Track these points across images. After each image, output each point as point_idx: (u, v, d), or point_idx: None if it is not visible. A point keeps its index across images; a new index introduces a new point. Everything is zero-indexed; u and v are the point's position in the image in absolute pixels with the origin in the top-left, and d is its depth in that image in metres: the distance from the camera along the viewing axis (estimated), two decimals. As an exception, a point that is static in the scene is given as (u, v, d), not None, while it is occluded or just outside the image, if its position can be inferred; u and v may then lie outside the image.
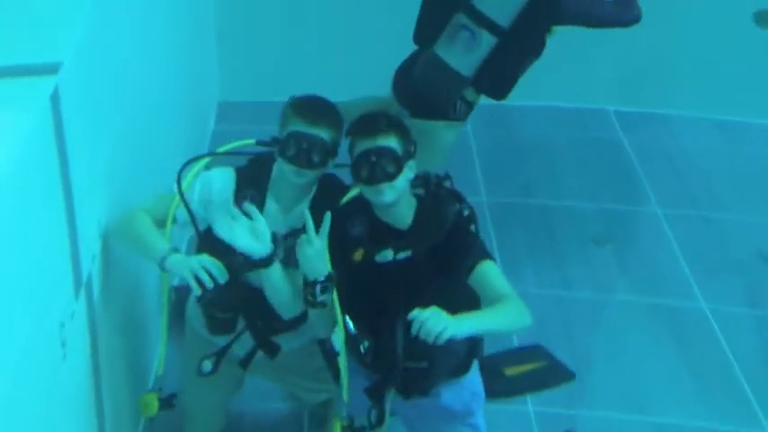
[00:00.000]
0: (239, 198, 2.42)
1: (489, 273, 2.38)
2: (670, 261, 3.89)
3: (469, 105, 3.34)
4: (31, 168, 1.95)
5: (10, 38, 2.26)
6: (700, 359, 3.40)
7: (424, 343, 2.23)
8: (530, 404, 3.13)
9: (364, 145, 2.37)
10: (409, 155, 2.39)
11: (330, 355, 2.51)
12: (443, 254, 2.38)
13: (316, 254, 2.34)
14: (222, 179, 2.47)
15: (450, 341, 2.23)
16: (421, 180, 2.47)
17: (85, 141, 2.28)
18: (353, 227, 2.42)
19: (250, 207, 2.36)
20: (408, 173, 2.39)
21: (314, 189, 2.48)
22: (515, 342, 3.33)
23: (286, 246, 2.42)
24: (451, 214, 2.41)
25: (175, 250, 2.41)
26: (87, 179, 2.30)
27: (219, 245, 2.40)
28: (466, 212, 2.44)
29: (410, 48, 3.31)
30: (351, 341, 2.42)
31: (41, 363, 1.99)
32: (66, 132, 2.14)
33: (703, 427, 3.11)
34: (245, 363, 2.61)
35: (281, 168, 2.43)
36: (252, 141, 2.49)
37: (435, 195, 2.46)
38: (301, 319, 2.50)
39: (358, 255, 2.40)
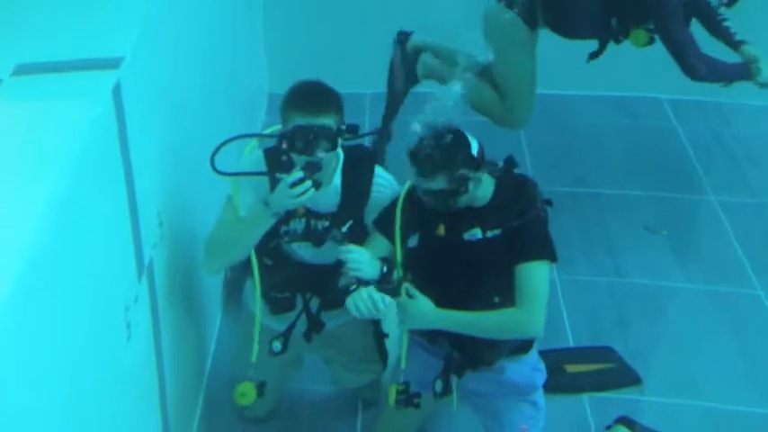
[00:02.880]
0: (272, 176, 2.47)
1: (533, 276, 2.42)
2: (725, 248, 3.86)
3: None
4: (96, 159, 2.04)
5: (75, 34, 2.36)
6: (755, 345, 3.37)
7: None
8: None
9: (426, 185, 2.41)
10: (464, 181, 2.40)
11: (379, 334, 2.60)
12: (518, 236, 2.43)
13: (366, 261, 2.43)
14: (254, 163, 2.53)
15: None
16: (491, 166, 2.50)
17: (144, 133, 2.36)
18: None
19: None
20: (477, 178, 2.42)
21: (340, 162, 2.53)
22: (570, 340, 3.33)
23: (315, 224, 2.50)
24: (536, 195, 2.46)
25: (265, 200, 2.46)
26: (146, 170, 2.38)
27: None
28: (543, 199, 2.49)
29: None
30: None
31: (108, 343, 2.09)
32: (128, 124, 2.22)
33: (757, 414, 3.08)
34: (308, 336, 2.68)
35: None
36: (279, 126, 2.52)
37: (512, 176, 2.51)
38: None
39: (441, 230, 2.46)
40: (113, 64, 2.21)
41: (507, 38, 3.59)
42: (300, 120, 2.38)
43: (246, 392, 2.63)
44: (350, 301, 2.39)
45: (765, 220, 4.06)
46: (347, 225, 2.53)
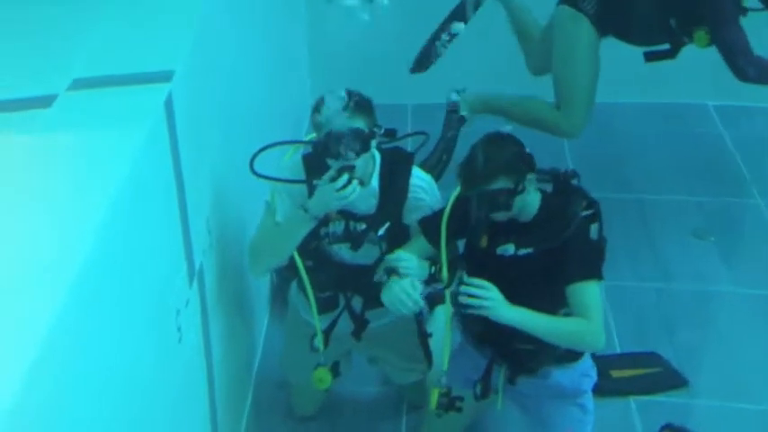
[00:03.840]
0: (310, 181, 2.55)
1: (586, 294, 2.44)
2: (774, 252, 3.82)
3: None
4: (149, 169, 2.11)
5: (130, 48, 2.45)
6: (805, 349, 3.33)
7: None
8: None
9: (471, 187, 2.45)
10: (523, 184, 2.43)
11: (423, 333, 2.65)
12: (559, 256, 2.44)
13: (415, 266, 2.49)
14: (292, 169, 2.62)
15: None
16: (550, 175, 2.53)
17: (194, 144, 2.44)
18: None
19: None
20: (526, 197, 2.45)
21: (377, 164, 2.58)
22: (617, 346, 3.32)
23: (354, 226, 2.56)
24: (577, 216, 2.45)
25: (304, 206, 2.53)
26: (196, 179, 2.46)
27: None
28: (590, 212, 2.49)
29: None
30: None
31: (160, 345, 2.16)
32: (179, 135, 2.30)
33: (810, 416, 3.05)
34: (357, 335, 2.75)
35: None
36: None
37: (562, 192, 2.51)
38: None
39: (484, 241, 2.50)
40: (165, 77, 2.29)
41: (576, 41, 3.62)
42: (333, 125, 2.45)
43: (323, 377, 2.73)
44: (385, 298, 2.45)
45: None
46: (384, 227, 2.58)
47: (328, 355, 2.78)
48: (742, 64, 3.45)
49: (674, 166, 4.41)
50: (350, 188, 2.42)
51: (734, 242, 3.90)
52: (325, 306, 2.70)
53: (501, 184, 2.41)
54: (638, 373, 3.11)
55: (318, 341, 2.71)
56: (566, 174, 2.54)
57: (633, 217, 3.97)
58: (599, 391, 2.72)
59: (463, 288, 2.39)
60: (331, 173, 2.44)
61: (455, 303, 2.46)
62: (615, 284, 3.46)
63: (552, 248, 2.45)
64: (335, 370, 2.75)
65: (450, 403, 2.59)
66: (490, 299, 2.37)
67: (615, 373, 2.89)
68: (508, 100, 3.82)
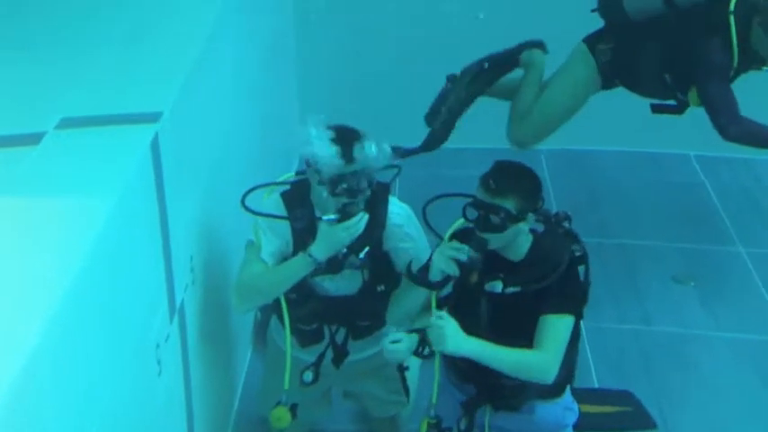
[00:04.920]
0: (291, 218, 2.61)
1: (552, 326, 2.47)
2: (755, 298, 3.88)
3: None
4: (134, 206, 2.18)
5: (118, 89, 2.53)
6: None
7: None
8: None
9: (481, 195, 2.49)
10: (523, 216, 2.47)
11: (401, 367, 2.70)
12: (544, 294, 2.48)
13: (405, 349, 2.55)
14: (274, 209, 2.66)
15: None
16: (542, 217, 2.56)
17: (180, 183, 2.50)
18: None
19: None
20: (521, 228, 2.49)
21: None
22: (596, 383, 3.37)
23: (339, 256, 2.60)
24: (566, 259, 2.49)
25: (305, 253, 2.57)
26: (181, 218, 2.52)
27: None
28: (577, 254, 2.54)
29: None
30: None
31: (140, 377, 2.21)
32: (165, 175, 2.36)
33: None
34: (337, 363, 2.78)
35: (321, 198, 2.57)
36: (292, 175, 2.74)
37: (553, 234, 2.56)
38: (377, 325, 2.72)
39: (474, 277, 2.53)
40: (152, 118, 2.37)
41: (575, 76, 3.73)
42: (338, 169, 2.50)
43: (282, 416, 2.72)
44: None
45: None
46: (364, 251, 2.63)
47: (310, 391, 2.81)
48: (724, 122, 3.50)
49: (655, 212, 4.51)
50: (361, 222, 2.50)
51: (714, 287, 3.97)
52: (309, 339, 2.74)
53: (508, 204, 2.46)
54: (608, 411, 3.15)
55: (308, 375, 2.74)
56: (558, 216, 2.59)
57: (614, 261, 4.04)
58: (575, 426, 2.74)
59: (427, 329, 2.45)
60: (333, 215, 2.50)
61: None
62: (596, 326, 3.52)
63: (539, 289, 2.49)
64: (294, 411, 2.75)
65: None
66: (450, 329, 2.42)
67: (585, 408, 2.91)
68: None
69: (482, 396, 2.57)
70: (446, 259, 2.47)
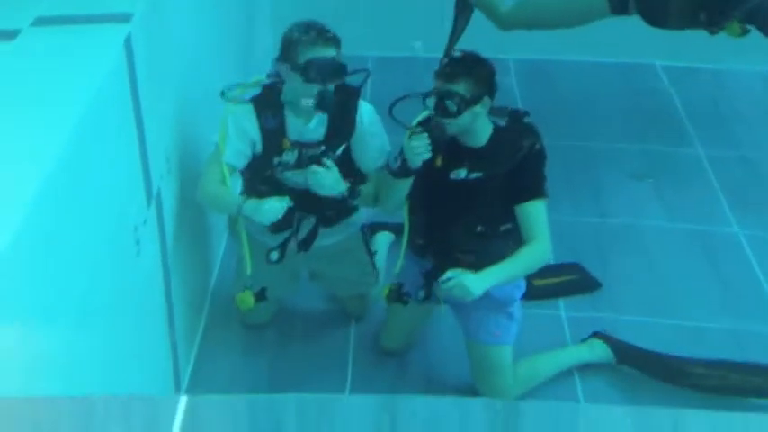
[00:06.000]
0: (261, 120, 2.81)
1: (534, 212, 2.73)
2: (709, 195, 4.05)
3: None
4: (109, 101, 2.32)
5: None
6: (729, 275, 3.57)
7: (473, 240, 2.73)
8: (562, 309, 3.38)
9: (437, 83, 2.69)
10: (475, 100, 2.67)
11: (370, 251, 3.00)
12: (509, 180, 2.71)
13: (330, 182, 2.77)
14: (244, 113, 2.84)
15: (495, 240, 2.72)
16: (505, 112, 2.79)
17: (153, 80, 2.64)
18: (438, 138, 2.71)
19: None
20: (474, 112, 2.68)
21: None
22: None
23: (309, 154, 2.80)
24: (526, 146, 2.72)
25: (244, 199, 2.82)
26: (155, 112, 2.67)
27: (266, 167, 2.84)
28: (538, 147, 2.75)
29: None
30: None
31: (120, 256, 2.38)
32: (138, 72, 2.50)
33: (728, 329, 3.29)
34: (305, 245, 2.99)
35: (294, 89, 2.77)
36: (263, 77, 2.91)
37: (513, 126, 2.78)
38: (345, 215, 2.96)
39: (438, 161, 2.74)
40: (125, 18, 2.50)
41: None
42: (313, 53, 2.70)
43: (245, 299, 2.94)
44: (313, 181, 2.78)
45: (749, 171, 4.24)
46: (341, 149, 2.84)
47: (278, 271, 3.03)
48: None
49: (619, 117, 4.65)
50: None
51: (670, 184, 4.13)
52: (280, 226, 2.91)
53: (460, 89, 2.65)
54: (555, 281, 3.38)
55: (274, 254, 2.95)
56: (518, 112, 2.82)
57: (576, 161, 4.18)
58: (523, 297, 2.96)
59: (442, 285, 2.67)
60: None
61: (394, 298, 2.83)
62: (554, 218, 3.68)
63: (500, 174, 2.71)
64: (261, 295, 2.97)
65: (399, 296, 2.89)
66: (467, 279, 2.63)
67: (537, 282, 3.13)
68: None
69: (438, 269, 2.77)
70: (412, 153, 2.67)
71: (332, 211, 2.95)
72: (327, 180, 2.75)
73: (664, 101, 4.85)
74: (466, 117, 2.68)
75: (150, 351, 2.72)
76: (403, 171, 2.72)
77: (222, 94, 2.84)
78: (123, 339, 2.38)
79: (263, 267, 2.95)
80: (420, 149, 2.65)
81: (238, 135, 2.84)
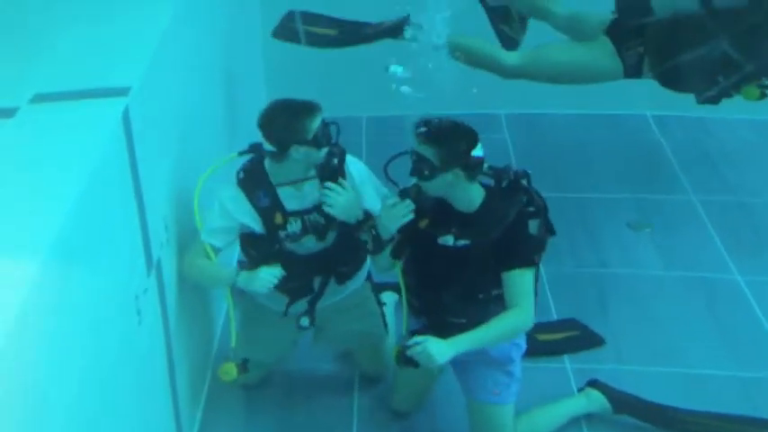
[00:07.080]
0: (254, 201, 2.86)
1: (519, 280, 2.69)
2: (706, 241, 4.07)
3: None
4: (109, 175, 2.34)
5: (90, 64, 2.69)
6: (730, 321, 3.58)
7: (465, 304, 2.71)
8: (567, 362, 3.38)
9: (414, 145, 2.70)
10: (445, 169, 2.64)
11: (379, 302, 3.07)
12: (496, 247, 2.68)
13: (343, 203, 2.78)
14: (234, 199, 2.89)
15: (488, 304, 2.70)
16: (494, 172, 2.75)
17: (151, 152, 2.67)
18: (426, 200, 2.75)
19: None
20: (446, 179, 2.66)
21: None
22: (554, 316, 3.58)
23: (310, 219, 2.85)
24: (514, 212, 2.68)
25: (238, 271, 2.86)
26: (153, 184, 2.70)
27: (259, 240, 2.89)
28: (530, 209, 2.72)
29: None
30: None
31: (122, 326, 2.39)
32: (136, 144, 2.53)
33: (730, 376, 3.29)
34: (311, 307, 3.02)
35: (297, 161, 2.82)
36: (235, 155, 2.97)
37: (505, 189, 2.73)
38: (357, 267, 3.01)
39: (423, 223, 2.74)
40: (123, 92, 2.53)
41: (598, 62, 3.87)
42: (315, 123, 2.79)
43: (229, 370, 2.94)
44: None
45: (745, 216, 4.26)
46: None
47: (280, 335, 3.07)
48: None
49: (612, 168, 4.68)
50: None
51: (667, 233, 4.15)
52: (301, 293, 2.97)
53: (428, 154, 2.65)
54: (556, 338, 3.39)
55: (304, 320, 3.00)
56: (516, 173, 2.75)
57: (573, 213, 4.20)
58: (529, 352, 2.95)
59: (409, 351, 2.66)
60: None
61: (404, 360, 2.72)
62: (556, 270, 3.74)
63: (490, 243, 2.68)
64: (243, 366, 2.96)
65: (409, 358, 2.75)
66: (432, 347, 2.61)
67: (541, 337, 3.14)
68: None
69: (431, 330, 2.75)
70: (393, 221, 2.72)
71: (346, 267, 2.98)
72: (341, 198, 2.78)
73: (655, 149, 4.90)
74: (438, 182, 2.67)
75: (153, 418, 2.71)
76: (377, 247, 2.77)
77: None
78: (126, 407, 2.37)
79: (262, 332, 2.96)
80: (399, 215, 2.69)
81: (223, 217, 2.88)
